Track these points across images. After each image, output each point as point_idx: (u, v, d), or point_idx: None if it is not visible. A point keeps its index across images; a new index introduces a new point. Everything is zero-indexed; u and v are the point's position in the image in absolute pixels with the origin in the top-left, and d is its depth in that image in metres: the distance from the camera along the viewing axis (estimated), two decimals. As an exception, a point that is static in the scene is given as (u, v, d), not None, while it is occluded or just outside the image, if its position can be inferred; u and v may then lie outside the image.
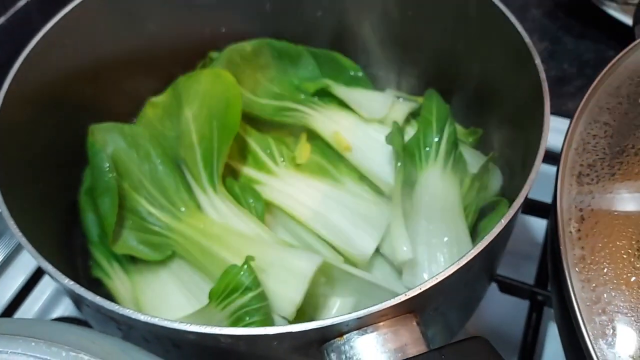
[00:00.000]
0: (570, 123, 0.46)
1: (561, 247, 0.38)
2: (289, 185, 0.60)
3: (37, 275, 0.68)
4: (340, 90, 0.68)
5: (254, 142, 0.63)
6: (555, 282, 0.39)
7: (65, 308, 0.66)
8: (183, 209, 0.56)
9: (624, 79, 0.48)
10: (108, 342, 0.36)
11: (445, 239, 0.54)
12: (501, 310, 0.61)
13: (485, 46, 0.59)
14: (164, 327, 0.35)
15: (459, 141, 0.61)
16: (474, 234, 0.56)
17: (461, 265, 0.37)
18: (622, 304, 0.36)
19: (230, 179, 0.60)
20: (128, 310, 0.36)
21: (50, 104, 0.57)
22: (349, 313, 0.35)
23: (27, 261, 0.70)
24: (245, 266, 0.47)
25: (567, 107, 0.80)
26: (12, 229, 0.42)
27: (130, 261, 0.55)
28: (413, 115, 0.66)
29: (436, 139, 0.59)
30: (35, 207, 0.53)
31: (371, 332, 0.36)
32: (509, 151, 0.57)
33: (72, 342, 0.34)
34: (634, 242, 0.38)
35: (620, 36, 0.80)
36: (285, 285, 0.48)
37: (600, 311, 0.35)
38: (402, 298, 0.35)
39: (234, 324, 0.47)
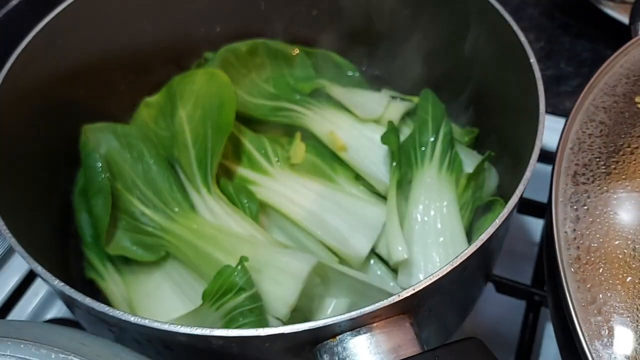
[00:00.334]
0: (566, 122, 0.46)
1: (556, 247, 0.38)
2: (284, 186, 0.59)
3: (31, 276, 0.67)
4: (336, 91, 0.68)
5: (249, 142, 0.63)
6: (550, 283, 0.39)
7: (59, 309, 0.65)
8: (177, 209, 0.55)
9: (619, 78, 0.48)
10: (99, 344, 0.35)
11: (441, 239, 0.54)
12: (498, 311, 0.60)
13: (481, 45, 0.58)
14: (155, 328, 0.35)
15: (455, 141, 0.61)
16: (470, 234, 0.56)
17: (455, 265, 0.36)
18: (617, 305, 0.35)
19: (224, 179, 0.60)
20: (119, 311, 0.35)
21: (43, 104, 0.57)
22: (343, 314, 0.34)
23: (21, 262, 0.69)
24: (239, 267, 0.46)
25: (564, 106, 0.80)
26: (2, 230, 0.42)
27: (124, 262, 0.55)
28: (409, 114, 0.66)
29: (432, 139, 0.59)
30: (28, 208, 0.53)
31: (364, 333, 0.36)
32: (505, 150, 0.56)
33: (62, 344, 0.34)
34: (629, 242, 0.38)
35: (617, 35, 0.80)
36: (280, 286, 0.48)
37: (595, 312, 0.35)
38: (395, 299, 0.35)
39: (228, 324, 0.47)
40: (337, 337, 0.36)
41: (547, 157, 0.51)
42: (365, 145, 0.63)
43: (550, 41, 0.89)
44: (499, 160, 0.58)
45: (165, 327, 0.35)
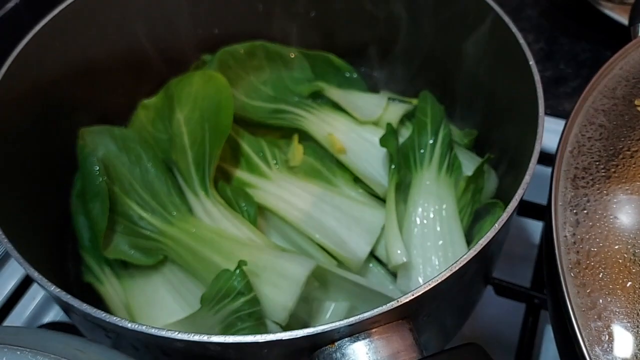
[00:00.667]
0: (565, 125, 0.46)
1: (556, 252, 0.38)
2: (282, 189, 0.59)
3: (28, 279, 0.67)
4: (334, 93, 0.68)
5: (247, 144, 0.62)
6: (550, 287, 0.39)
7: (57, 313, 0.65)
8: (174, 213, 0.55)
9: (619, 80, 0.48)
10: (96, 351, 0.35)
11: (440, 242, 0.53)
12: (497, 314, 0.60)
13: (480, 47, 0.58)
14: (152, 335, 0.35)
15: (454, 143, 0.60)
16: (470, 236, 0.56)
17: (455, 270, 0.36)
18: (617, 310, 0.35)
19: (222, 182, 0.59)
20: (116, 318, 0.35)
21: (40, 107, 0.56)
22: (341, 319, 0.34)
23: (19, 265, 0.69)
24: (238, 271, 0.46)
25: (563, 108, 0.80)
26: (-2, 234, 0.42)
27: (122, 266, 0.54)
28: (407, 117, 0.66)
29: (431, 141, 0.59)
30: (24, 211, 0.52)
31: (363, 339, 0.35)
32: (504, 153, 0.56)
33: (59, 351, 0.33)
34: (629, 247, 0.38)
35: (617, 36, 0.79)
36: (278, 290, 0.47)
37: (595, 317, 0.35)
38: (394, 304, 0.35)
39: (226, 329, 0.46)
40: (336, 343, 0.35)
41: (546, 159, 0.50)
42: (363, 148, 0.62)
43: (549, 42, 0.89)
44: (498, 163, 0.57)
45: (163, 333, 0.34)
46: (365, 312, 0.35)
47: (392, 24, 0.68)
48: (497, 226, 0.38)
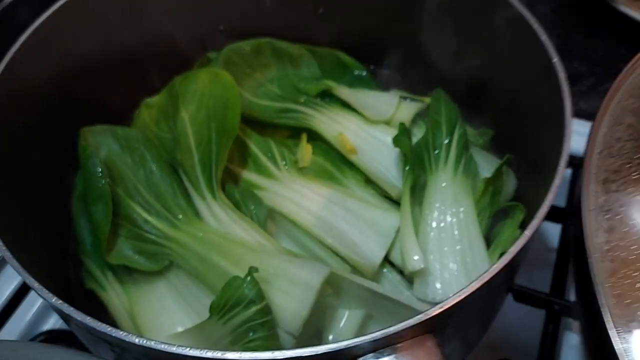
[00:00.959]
0: (593, 126, 0.43)
1: (589, 260, 0.35)
2: (292, 190, 0.57)
3: (27, 285, 0.64)
4: (343, 91, 0.66)
5: (255, 145, 0.60)
6: (582, 299, 0.37)
7: (56, 321, 0.63)
8: (180, 216, 0.53)
9: (647, 78, 0.46)
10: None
11: (458, 246, 0.51)
12: (516, 321, 0.58)
13: (499, 44, 0.56)
14: (161, 350, 0.32)
15: (469, 143, 0.58)
16: (487, 240, 0.53)
17: (485, 280, 0.34)
18: (658, 323, 0.33)
19: (229, 184, 0.57)
20: (122, 332, 0.33)
21: (40, 105, 0.55)
22: (355, 329, 0.32)
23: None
24: (249, 278, 0.44)
25: (579, 107, 0.77)
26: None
27: (126, 272, 0.53)
28: (420, 116, 0.64)
29: (446, 141, 0.57)
30: (23, 215, 0.50)
31: (388, 355, 0.33)
32: (523, 153, 0.54)
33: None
34: (668, 254, 0.36)
35: (632, 33, 0.77)
36: (291, 298, 0.45)
37: (635, 329, 0.33)
38: (421, 318, 0.33)
39: (237, 340, 0.44)
40: (358, 360, 0.33)
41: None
42: (375, 148, 0.60)
43: (562, 40, 0.86)
44: (516, 164, 0.55)
45: (173, 349, 0.32)
46: (390, 326, 0.32)
47: (403, 20, 0.66)
48: (527, 234, 0.36)
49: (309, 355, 0.32)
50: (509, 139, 0.57)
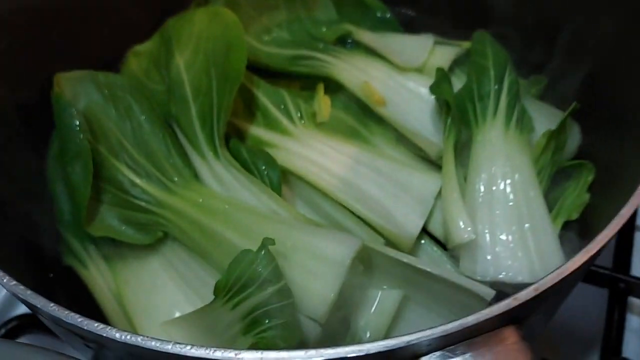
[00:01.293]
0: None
1: None
2: (310, 148, 0.48)
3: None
4: (366, 36, 0.57)
5: (264, 95, 0.52)
6: None
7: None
8: (176, 178, 0.46)
9: None
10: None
11: (515, 213, 0.43)
12: (575, 302, 0.49)
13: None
14: (151, 349, 0.23)
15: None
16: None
17: (593, 252, 0.25)
18: None
19: (235, 140, 0.48)
20: (96, 324, 0.24)
21: (10, 49, 0.48)
22: (432, 327, 0.23)
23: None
24: (263, 252, 0.36)
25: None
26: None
27: (111, 245, 0.46)
28: (457, 64, 0.55)
29: (495, 88, 0.47)
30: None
31: (461, 353, 0.24)
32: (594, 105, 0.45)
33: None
34: None
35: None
36: (315, 277, 0.37)
37: None
38: (510, 304, 0.24)
39: (249, 329, 0.36)
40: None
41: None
42: (406, 99, 0.52)
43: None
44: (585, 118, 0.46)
45: (168, 347, 0.23)
46: (468, 315, 0.23)
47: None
48: (625, 213, 0.27)
49: (358, 355, 0.23)
50: (573, 85, 0.47)
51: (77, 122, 0.45)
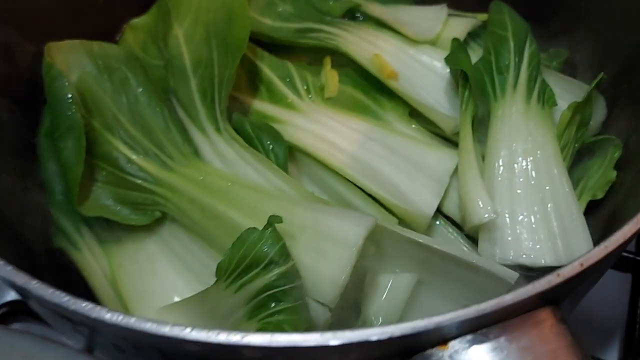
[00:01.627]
0: None
1: None
2: (318, 124, 0.46)
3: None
4: (376, 9, 0.55)
5: (269, 68, 0.49)
6: None
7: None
8: (175, 155, 0.43)
9: None
10: (51, 357, 0.21)
11: (537, 193, 0.41)
12: (597, 288, 0.47)
13: None
14: (146, 332, 0.21)
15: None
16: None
17: (635, 230, 0.22)
18: None
19: (238, 115, 0.46)
20: (84, 303, 0.21)
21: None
22: (464, 307, 0.20)
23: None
24: (269, 230, 0.34)
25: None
26: None
27: (106, 227, 0.44)
28: (472, 37, 0.52)
29: (516, 60, 0.45)
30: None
31: (494, 337, 0.22)
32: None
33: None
34: None
35: None
36: (325, 258, 0.35)
37: None
38: (552, 281, 0.21)
39: (254, 313, 0.34)
40: (450, 344, 0.22)
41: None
42: (420, 73, 0.49)
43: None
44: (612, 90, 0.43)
45: (165, 330, 0.21)
46: (506, 295, 0.21)
47: None
48: None
49: (379, 340, 0.20)
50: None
51: (69, 94, 0.42)
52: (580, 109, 0.42)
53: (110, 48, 0.47)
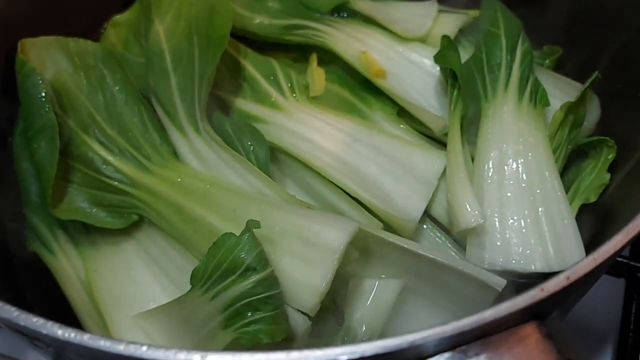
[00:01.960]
0: None
1: None
2: (302, 124, 0.45)
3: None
4: (365, 5, 0.53)
5: (252, 65, 0.48)
6: None
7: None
8: (152, 155, 0.42)
9: None
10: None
11: (528, 196, 0.40)
12: (591, 293, 0.46)
13: None
14: (101, 350, 0.19)
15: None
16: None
17: (633, 235, 0.20)
18: None
19: (218, 113, 0.44)
20: (35, 319, 0.20)
21: None
22: (441, 324, 0.19)
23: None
24: (246, 236, 0.33)
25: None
26: None
27: (82, 230, 0.43)
28: (463, 34, 0.50)
29: (507, 58, 0.43)
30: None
31: (474, 355, 0.21)
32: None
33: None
34: None
35: None
36: (305, 265, 0.34)
37: None
38: (536, 296, 0.20)
39: (230, 322, 0.33)
40: (429, 362, 0.20)
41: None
42: (408, 71, 0.48)
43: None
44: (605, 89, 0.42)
45: (120, 348, 0.19)
46: (479, 308, 0.19)
47: None
48: None
49: (360, 357, 0.18)
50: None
51: (43, 92, 0.41)
52: (573, 109, 0.40)
53: (87, 45, 0.45)
